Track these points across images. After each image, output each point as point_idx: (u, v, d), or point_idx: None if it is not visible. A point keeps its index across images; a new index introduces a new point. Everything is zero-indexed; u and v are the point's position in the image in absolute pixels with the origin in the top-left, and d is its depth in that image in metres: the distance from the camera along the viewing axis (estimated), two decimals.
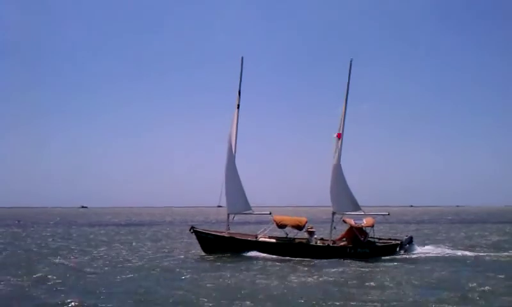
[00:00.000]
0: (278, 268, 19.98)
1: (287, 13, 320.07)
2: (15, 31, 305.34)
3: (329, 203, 24.84)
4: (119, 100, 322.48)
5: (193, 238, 25.48)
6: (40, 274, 18.03)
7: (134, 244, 31.65)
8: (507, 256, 23.79)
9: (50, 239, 36.20)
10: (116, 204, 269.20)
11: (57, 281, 16.75)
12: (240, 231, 28.42)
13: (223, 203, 25.18)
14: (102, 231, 46.86)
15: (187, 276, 17.93)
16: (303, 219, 24.53)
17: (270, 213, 24.97)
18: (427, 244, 27.46)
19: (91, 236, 40.00)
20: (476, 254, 24.42)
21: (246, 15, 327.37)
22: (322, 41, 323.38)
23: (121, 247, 29.29)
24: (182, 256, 23.91)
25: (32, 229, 52.49)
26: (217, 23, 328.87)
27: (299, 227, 24.11)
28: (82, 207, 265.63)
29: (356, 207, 24.38)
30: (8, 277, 17.39)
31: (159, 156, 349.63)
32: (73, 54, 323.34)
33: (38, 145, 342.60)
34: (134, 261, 22.15)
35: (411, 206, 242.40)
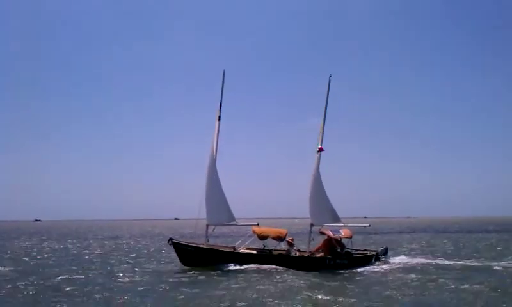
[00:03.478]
0: (260, 279, 20.01)
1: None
2: None
3: (304, 215, 25.22)
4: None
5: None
6: None
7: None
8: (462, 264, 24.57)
9: None
10: (65, 217, 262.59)
11: None
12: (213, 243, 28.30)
13: (202, 215, 24.99)
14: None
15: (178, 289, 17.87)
16: (284, 231, 24.78)
17: (257, 225, 24.79)
18: (400, 254, 28.35)
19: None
20: (451, 262, 25.39)
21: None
22: (300, 55, 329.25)
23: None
24: (161, 270, 23.74)
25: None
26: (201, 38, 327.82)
27: (280, 238, 24.36)
28: (36, 220, 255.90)
29: (336, 219, 24.76)
30: None
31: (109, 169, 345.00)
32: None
33: None
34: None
35: (365, 217, 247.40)
